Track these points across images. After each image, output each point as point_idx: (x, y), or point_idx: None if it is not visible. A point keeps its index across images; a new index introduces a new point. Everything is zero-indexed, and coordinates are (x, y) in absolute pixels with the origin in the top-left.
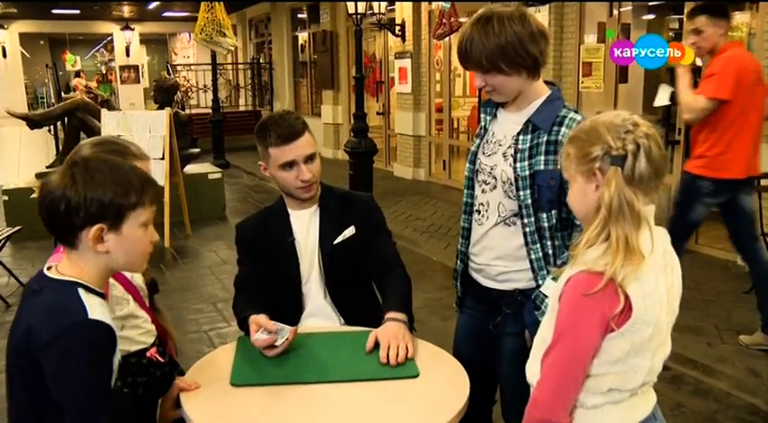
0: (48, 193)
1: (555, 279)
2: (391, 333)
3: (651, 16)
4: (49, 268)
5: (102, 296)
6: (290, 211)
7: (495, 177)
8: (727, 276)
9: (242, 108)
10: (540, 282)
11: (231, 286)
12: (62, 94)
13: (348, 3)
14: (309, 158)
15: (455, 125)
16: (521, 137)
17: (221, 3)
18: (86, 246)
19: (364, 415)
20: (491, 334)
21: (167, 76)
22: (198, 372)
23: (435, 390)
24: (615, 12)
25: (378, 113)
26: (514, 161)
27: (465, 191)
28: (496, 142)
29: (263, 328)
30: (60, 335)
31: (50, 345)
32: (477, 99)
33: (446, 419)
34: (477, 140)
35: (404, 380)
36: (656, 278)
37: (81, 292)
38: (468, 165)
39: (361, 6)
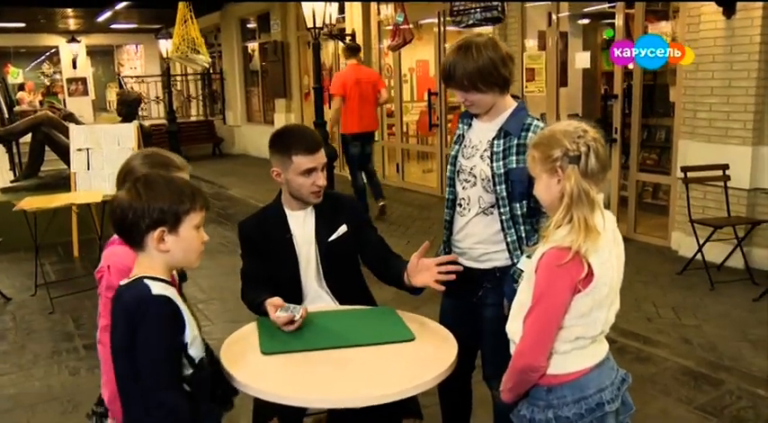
0: (118, 205)
1: (529, 257)
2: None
3: (585, 21)
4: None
5: (169, 283)
6: (287, 211)
7: (474, 176)
8: (662, 260)
9: (194, 118)
10: (516, 260)
11: (209, 288)
12: (14, 108)
13: (307, 15)
14: (324, 167)
15: (405, 129)
16: (495, 141)
17: (194, 20)
18: (151, 246)
19: (374, 370)
20: (473, 308)
21: (128, 90)
22: (230, 346)
23: (429, 349)
24: (554, 17)
25: (325, 122)
26: (491, 161)
27: (447, 188)
28: (474, 147)
29: (281, 308)
30: (132, 313)
31: (129, 321)
32: (426, 104)
33: (439, 371)
34: (457, 146)
35: (402, 343)
36: (609, 249)
37: (146, 280)
38: (449, 167)
39: (319, 20)
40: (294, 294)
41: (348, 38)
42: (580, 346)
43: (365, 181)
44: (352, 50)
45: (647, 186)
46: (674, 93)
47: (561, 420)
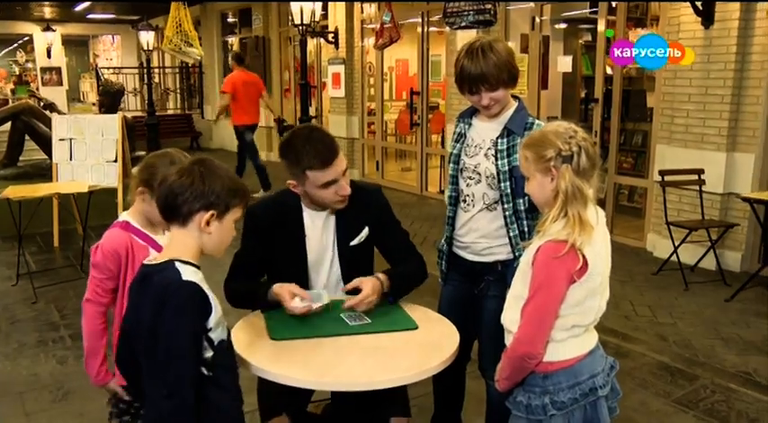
0: (172, 183)
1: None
2: (369, 284)
3: (564, 25)
4: (150, 261)
5: (197, 267)
6: (303, 207)
7: (479, 173)
8: (638, 261)
9: (171, 111)
10: (518, 254)
11: (206, 275)
12: None
13: (295, 12)
14: (344, 172)
15: (385, 128)
16: (500, 140)
17: (188, 15)
18: (195, 226)
19: (380, 357)
20: (472, 300)
21: (111, 81)
22: (240, 332)
23: (432, 338)
24: (537, 20)
25: (311, 117)
26: (496, 159)
27: (450, 186)
28: (477, 146)
29: (299, 297)
30: (160, 296)
31: (158, 304)
32: (406, 103)
33: (442, 359)
34: (458, 145)
35: (406, 331)
36: (600, 242)
37: (177, 264)
38: (452, 165)
39: (307, 17)
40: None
41: (331, 35)
42: (575, 335)
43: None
44: (239, 59)
45: (622, 189)
46: (651, 98)
47: (557, 405)
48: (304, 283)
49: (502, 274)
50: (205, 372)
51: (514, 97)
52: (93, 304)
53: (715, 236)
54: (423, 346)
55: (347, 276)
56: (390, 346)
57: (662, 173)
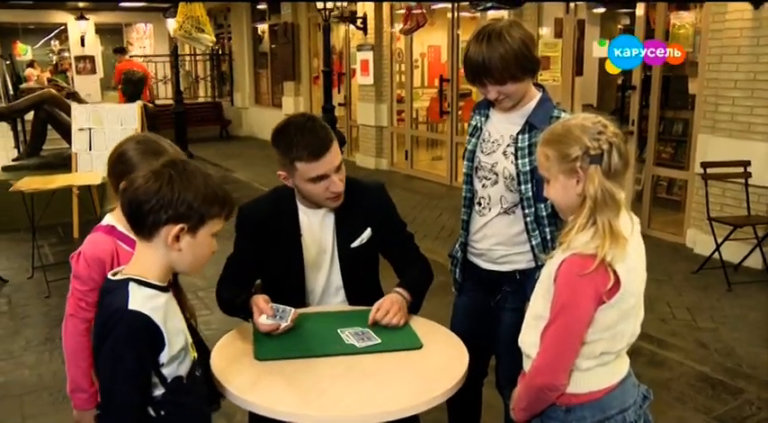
0: (139, 187)
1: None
2: (388, 301)
3: (602, 10)
4: (115, 274)
5: (162, 288)
6: (299, 205)
7: (496, 173)
8: (676, 258)
9: (201, 99)
10: (540, 263)
11: (211, 275)
12: (19, 85)
13: None
14: (338, 167)
15: (415, 115)
16: (520, 136)
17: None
18: (162, 241)
19: (376, 382)
20: (488, 312)
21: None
22: (222, 349)
23: (438, 360)
24: (572, 4)
25: (339, 104)
26: (516, 158)
27: (464, 186)
28: (494, 141)
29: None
30: (103, 324)
31: (101, 333)
32: (437, 90)
33: (449, 386)
34: (473, 140)
35: (409, 351)
36: (634, 255)
37: (131, 286)
38: (466, 162)
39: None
40: (296, 298)
41: (359, 20)
42: (603, 363)
43: None
44: (121, 51)
45: (661, 181)
46: (694, 85)
47: None
48: (301, 288)
49: (520, 284)
50: (152, 413)
51: (538, 86)
52: (77, 320)
53: (762, 233)
54: (427, 369)
55: (348, 282)
56: (389, 368)
57: (704, 164)
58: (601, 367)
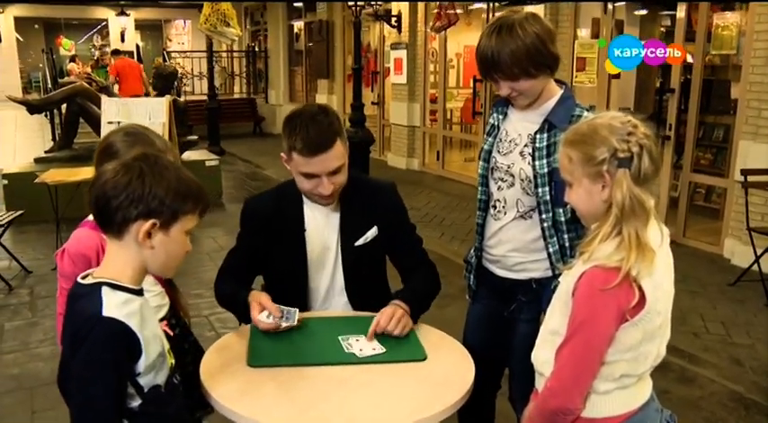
0: (107, 181)
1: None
2: (385, 316)
3: (644, 11)
4: (84, 277)
5: (135, 292)
6: (305, 200)
7: (512, 175)
8: (712, 269)
9: (236, 96)
10: (557, 272)
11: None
12: (58, 79)
13: None
14: (335, 171)
15: (449, 116)
16: (538, 135)
17: None
18: (133, 238)
19: (376, 395)
20: (503, 322)
21: (165, 63)
22: (214, 354)
23: (442, 372)
24: (610, 6)
25: (372, 103)
26: (533, 159)
27: (479, 188)
28: (511, 141)
29: (269, 312)
30: (76, 332)
31: (73, 341)
32: (471, 91)
33: (453, 400)
34: (490, 139)
35: (413, 363)
36: (662, 270)
37: (104, 290)
38: (481, 163)
39: None
40: (299, 297)
41: (393, 19)
42: (624, 386)
43: None
44: (116, 53)
45: (698, 188)
46: (736, 89)
47: None
48: (303, 286)
49: (536, 294)
50: None
51: (559, 83)
52: None
53: None
54: (428, 383)
55: (351, 283)
56: (388, 381)
57: (745, 172)
58: (620, 390)
